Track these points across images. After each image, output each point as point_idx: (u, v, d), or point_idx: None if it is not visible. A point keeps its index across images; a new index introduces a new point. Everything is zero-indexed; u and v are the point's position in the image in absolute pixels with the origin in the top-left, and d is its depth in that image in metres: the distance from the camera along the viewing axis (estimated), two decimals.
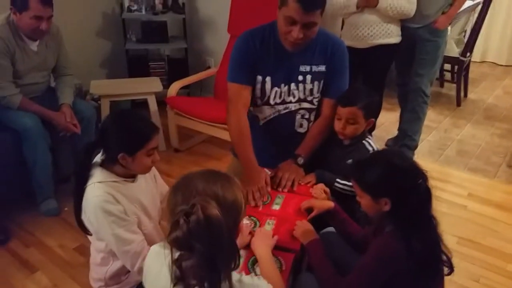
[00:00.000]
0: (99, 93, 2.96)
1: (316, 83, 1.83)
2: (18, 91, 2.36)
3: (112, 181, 1.51)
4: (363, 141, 1.80)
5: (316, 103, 1.88)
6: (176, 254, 0.94)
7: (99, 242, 1.59)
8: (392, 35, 2.69)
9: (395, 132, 3.25)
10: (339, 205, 1.57)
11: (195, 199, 0.92)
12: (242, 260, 1.35)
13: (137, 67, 3.78)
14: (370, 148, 1.78)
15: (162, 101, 3.13)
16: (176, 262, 0.93)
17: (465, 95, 4.22)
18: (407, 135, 3.01)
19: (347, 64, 1.87)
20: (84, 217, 1.53)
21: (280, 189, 1.71)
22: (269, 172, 1.80)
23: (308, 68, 1.81)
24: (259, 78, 1.83)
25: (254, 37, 1.81)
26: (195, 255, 0.91)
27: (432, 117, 3.68)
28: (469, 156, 3.14)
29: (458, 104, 4.04)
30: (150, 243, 1.56)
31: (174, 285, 0.95)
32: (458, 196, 2.66)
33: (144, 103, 3.09)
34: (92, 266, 1.70)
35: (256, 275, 1.27)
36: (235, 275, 0.99)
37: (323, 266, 1.35)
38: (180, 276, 0.93)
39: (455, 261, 1.26)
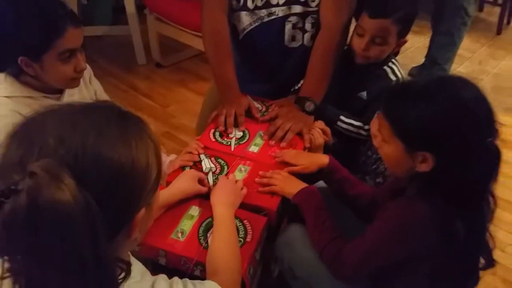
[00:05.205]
0: None
1: None
2: None
3: (25, 96, 1.08)
4: (385, 67, 1.31)
5: (314, 6, 1.32)
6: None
7: None
8: None
9: (421, 61, 2.71)
10: (337, 154, 1.13)
11: (33, 164, 0.45)
12: (190, 226, 0.95)
13: None
14: (394, 78, 1.30)
15: (139, 5, 2.54)
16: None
17: (508, 22, 3.59)
18: (437, 63, 2.50)
19: None
20: None
21: (272, 142, 1.22)
22: (258, 106, 1.35)
23: None
24: None
25: None
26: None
27: (466, 44, 3.09)
28: (506, 94, 2.64)
29: (499, 32, 3.44)
30: None
31: None
32: None
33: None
34: None
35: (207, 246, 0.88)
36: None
37: (321, 225, 0.95)
38: None
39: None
